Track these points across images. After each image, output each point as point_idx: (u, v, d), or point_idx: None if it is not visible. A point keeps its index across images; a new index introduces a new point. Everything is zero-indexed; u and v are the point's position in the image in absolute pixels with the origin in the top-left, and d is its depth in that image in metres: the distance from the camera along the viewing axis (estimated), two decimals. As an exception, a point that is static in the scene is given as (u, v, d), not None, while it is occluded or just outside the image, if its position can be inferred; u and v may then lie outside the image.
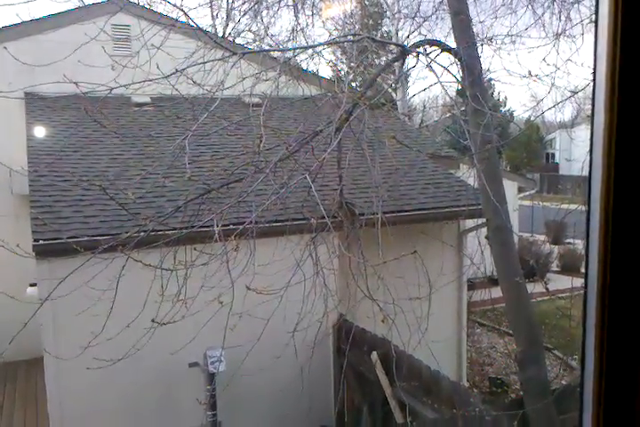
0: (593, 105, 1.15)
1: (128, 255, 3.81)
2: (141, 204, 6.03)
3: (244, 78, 4.15)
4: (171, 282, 4.96)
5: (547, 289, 4.80)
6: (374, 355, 6.59)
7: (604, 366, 1.12)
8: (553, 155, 30.57)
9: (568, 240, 13.98)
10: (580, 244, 12.72)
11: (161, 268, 3.99)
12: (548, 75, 4.12)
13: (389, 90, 8.39)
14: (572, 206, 5.68)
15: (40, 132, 8.24)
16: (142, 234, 4.52)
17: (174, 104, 5.33)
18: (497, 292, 6.74)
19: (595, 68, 1.11)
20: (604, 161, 1.10)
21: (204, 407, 6.46)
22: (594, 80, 1.13)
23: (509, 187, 8.28)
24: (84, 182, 6.06)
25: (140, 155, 7.14)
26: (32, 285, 6.61)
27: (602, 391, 1.12)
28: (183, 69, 3.74)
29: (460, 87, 5.23)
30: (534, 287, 6.37)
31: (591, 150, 1.15)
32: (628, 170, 1.08)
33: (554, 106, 4.36)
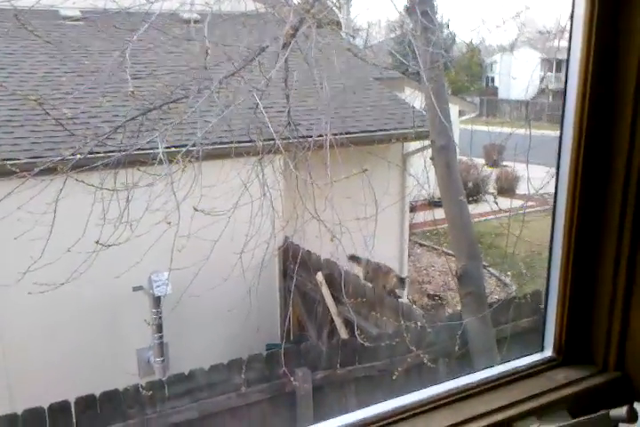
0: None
1: (67, 174, 3.65)
2: (76, 124, 5.75)
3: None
4: (113, 205, 4.84)
5: (496, 204, 4.93)
6: (319, 275, 6.74)
7: (569, 271, 1.16)
8: (492, 78, 30.72)
9: (505, 163, 14.33)
10: (516, 166, 13.06)
11: (102, 188, 3.85)
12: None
13: (334, 8, 8.10)
14: (511, 130, 5.78)
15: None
16: (81, 155, 4.33)
17: (107, 17, 4.99)
18: (437, 214, 6.92)
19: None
20: (578, 89, 1.09)
21: (152, 329, 6.51)
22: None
23: (451, 110, 8.29)
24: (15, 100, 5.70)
25: (72, 73, 6.74)
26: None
27: (566, 294, 1.16)
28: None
29: (407, 4, 5.09)
30: (472, 209, 6.55)
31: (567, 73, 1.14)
32: (603, 89, 1.08)
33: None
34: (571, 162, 1.12)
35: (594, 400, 1.13)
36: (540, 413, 1.07)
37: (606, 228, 1.12)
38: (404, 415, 1.00)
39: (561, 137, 1.13)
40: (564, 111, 1.12)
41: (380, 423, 0.98)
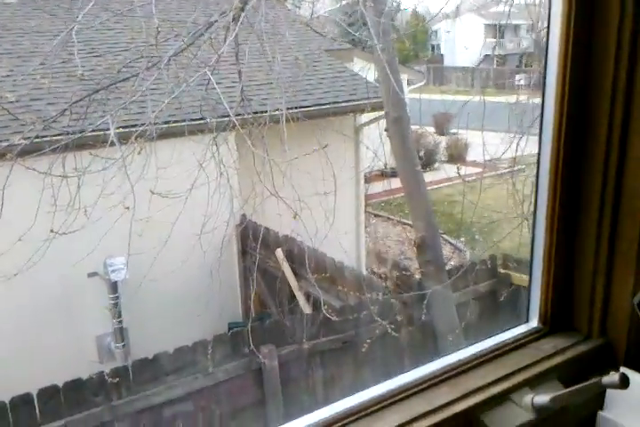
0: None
1: (14, 160, 3.50)
2: (18, 108, 5.50)
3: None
4: (63, 191, 4.68)
5: (459, 174, 4.98)
6: (279, 252, 6.71)
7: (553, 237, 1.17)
8: (438, 46, 30.71)
9: (453, 131, 14.45)
10: (464, 133, 13.21)
11: (51, 174, 3.72)
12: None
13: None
14: (458, 97, 5.80)
15: None
16: (26, 139, 4.15)
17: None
18: (392, 184, 6.95)
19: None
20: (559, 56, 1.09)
21: (110, 315, 6.40)
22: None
23: (400, 80, 8.26)
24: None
25: (9, 54, 6.42)
26: None
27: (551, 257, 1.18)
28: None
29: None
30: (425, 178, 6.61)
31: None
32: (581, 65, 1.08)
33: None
34: (553, 132, 1.11)
35: (581, 367, 1.16)
36: (532, 383, 1.09)
37: (588, 197, 1.13)
38: (403, 395, 1.01)
39: (543, 104, 1.13)
40: (545, 80, 1.12)
41: (382, 404, 0.98)
